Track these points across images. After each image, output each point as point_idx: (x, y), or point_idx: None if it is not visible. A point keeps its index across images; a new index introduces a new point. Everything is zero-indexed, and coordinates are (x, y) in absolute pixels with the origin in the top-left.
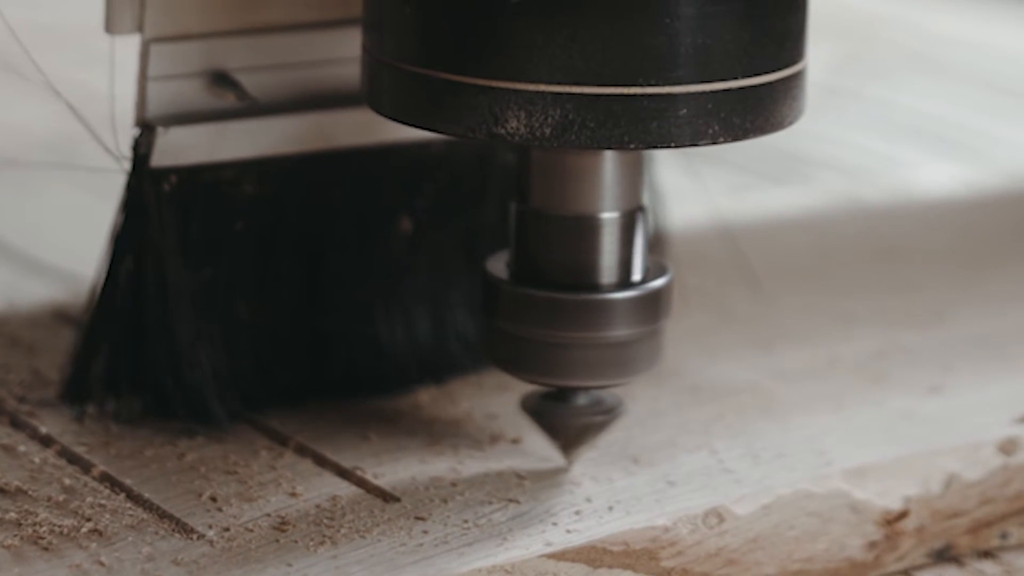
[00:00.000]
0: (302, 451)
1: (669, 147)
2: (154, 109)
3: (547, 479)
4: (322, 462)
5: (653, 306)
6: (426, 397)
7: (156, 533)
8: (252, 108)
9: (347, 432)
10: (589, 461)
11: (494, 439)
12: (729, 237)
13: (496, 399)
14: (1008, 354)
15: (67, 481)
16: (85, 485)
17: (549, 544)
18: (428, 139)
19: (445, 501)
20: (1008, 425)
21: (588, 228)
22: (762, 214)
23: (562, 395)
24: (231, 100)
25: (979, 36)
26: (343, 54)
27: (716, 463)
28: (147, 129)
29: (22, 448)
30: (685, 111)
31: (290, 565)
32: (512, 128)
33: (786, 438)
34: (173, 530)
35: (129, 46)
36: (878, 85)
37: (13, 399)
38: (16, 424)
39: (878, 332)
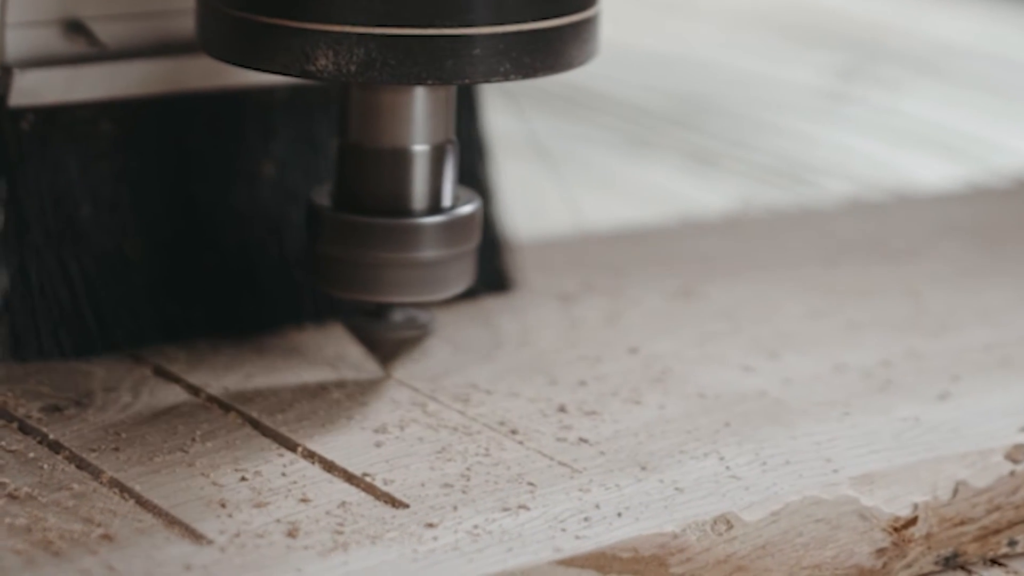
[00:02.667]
0: (311, 457)
1: (464, 83)
2: (12, 53)
3: (556, 485)
4: (331, 468)
5: (461, 230)
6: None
7: (166, 539)
8: (105, 53)
9: (355, 436)
10: (597, 468)
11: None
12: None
13: None
14: (1015, 362)
15: (76, 487)
16: (95, 491)
17: (558, 550)
18: (274, 85)
19: (455, 507)
20: (1016, 432)
21: (400, 159)
22: (769, 220)
23: (380, 312)
24: (83, 46)
25: (983, 43)
26: (187, 5)
27: (724, 470)
28: (5, 71)
29: (32, 454)
30: (478, 51)
31: (300, 571)
32: (321, 66)
33: (794, 445)
34: (183, 536)
35: None
36: (883, 91)
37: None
38: (25, 430)
39: (885, 339)
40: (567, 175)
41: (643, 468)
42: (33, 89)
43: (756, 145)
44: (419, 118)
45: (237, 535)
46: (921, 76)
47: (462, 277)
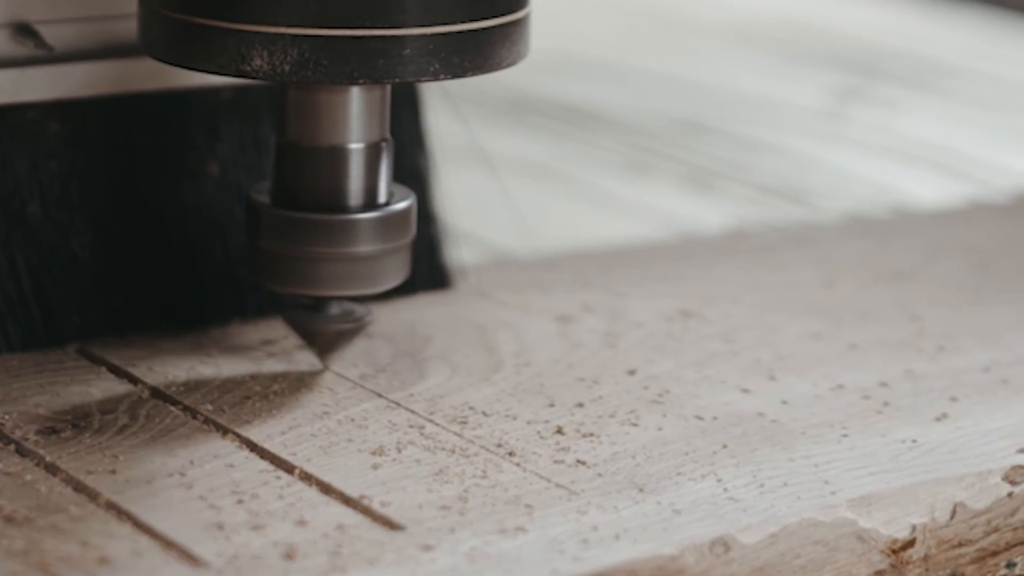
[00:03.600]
0: (308, 479)
1: (395, 82)
2: None
3: (554, 507)
4: (328, 490)
5: (396, 226)
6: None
7: (163, 561)
8: (52, 55)
9: (353, 459)
10: (595, 490)
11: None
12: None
13: None
14: (1014, 383)
15: (74, 509)
16: (92, 513)
17: (556, 573)
18: (219, 86)
19: (452, 530)
20: (1014, 454)
21: (336, 157)
22: (767, 240)
23: (317, 306)
24: (31, 48)
25: (981, 61)
26: (133, 9)
27: (722, 492)
28: None
29: (29, 477)
30: (408, 51)
31: None
32: (257, 65)
33: (792, 467)
34: (180, 559)
35: None
36: (881, 111)
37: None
38: (22, 452)
39: (883, 361)
40: (561, 194)
41: (641, 490)
42: None
43: (754, 165)
44: (354, 117)
45: (234, 558)
46: (919, 95)
47: (397, 271)
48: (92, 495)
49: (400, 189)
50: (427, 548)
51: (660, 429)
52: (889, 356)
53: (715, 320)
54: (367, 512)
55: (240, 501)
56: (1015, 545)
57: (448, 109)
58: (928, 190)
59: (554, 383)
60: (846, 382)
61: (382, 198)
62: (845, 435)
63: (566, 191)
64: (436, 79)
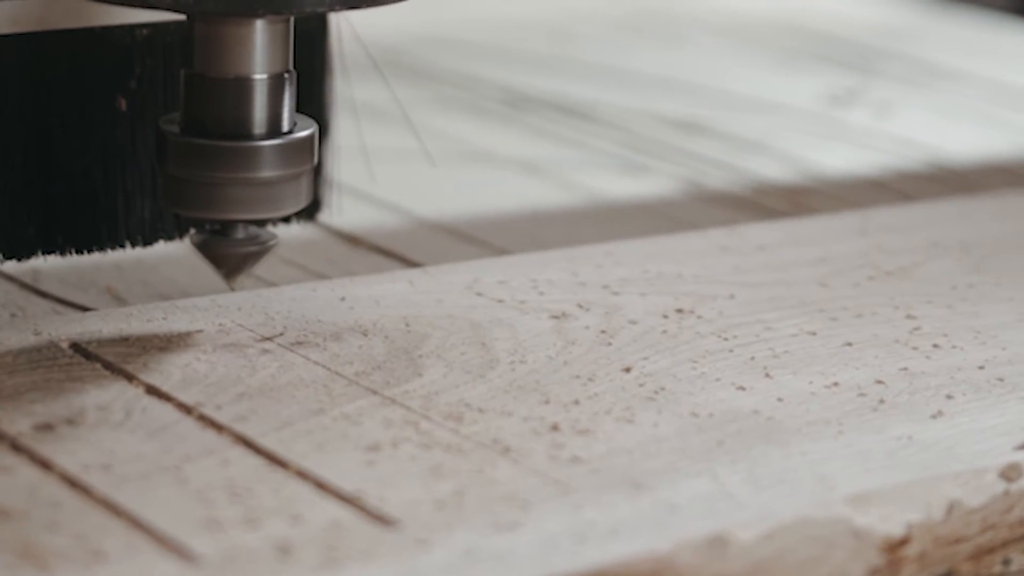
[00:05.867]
0: (303, 475)
1: (292, 13)
2: None
3: (550, 503)
4: (324, 486)
5: (297, 153)
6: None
7: (158, 557)
8: None
9: (348, 455)
10: (591, 486)
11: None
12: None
13: None
14: (1010, 381)
15: (68, 505)
16: (86, 509)
17: (551, 569)
18: (134, 24)
19: (448, 526)
20: (1010, 451)
21: (241, 87)
22: (762, 240)
23: (224, 230)
24: None
25: (976, 62)
26: None
27: (718, 488)
28: None
29: (23, 472)
30: None
31: None
32: None
33: (788, 464)
34: (175, 554)
35: None
36: (876, 112)
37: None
38: (17, 448)
39: (879, 358)
40: (556, 193)
41: (637, 487)
42: None
43: (750, 165)
44: (257, 49)
45: (229, 553)
46: (915, 95)
47: (298, 197)
48: (87, 490)
49: (303, 119)
50: (422, 544)
51: (656, 426)
52: (885, 354)
53: (710, 318)
54: (362, 508)
55: (235, 497)
56: (1011, 542)
57: (445, 108)
58: (923, 190)
59: (549, 380)
60: (842, 379)
61: (284, 126)
62: (841, 432)
63: (561, 190)
64: (331, 10)
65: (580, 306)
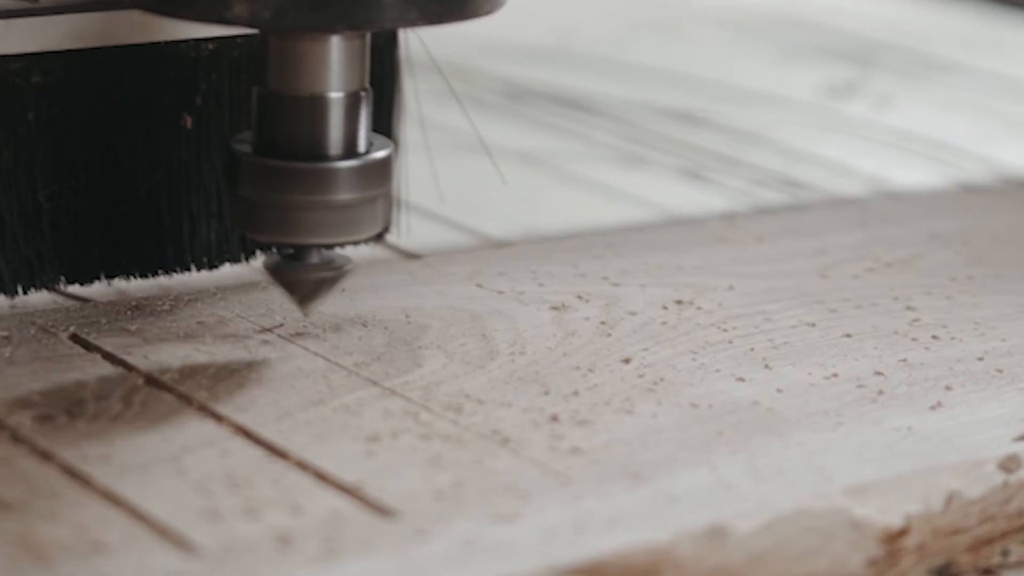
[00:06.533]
0: (303, 466)
1: (373, 28)
2: None
3: (549, 494)
4: (323, 477)
5: (374, 175)
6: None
7: (158, 547)
8: (36, 8)
9: (348, 446)
10: (590, 477)
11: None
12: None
13: None
14: (1008, 372)
15: (68, 495)
16: (86, 499)
17: (551, 559)
18: (200, 39)
19: (447, 516)
20: (1009, 442)
21: (315, 106)
22: (762, 231)
23: (297, 254)
24: (16, 0)
25: (975, 53)
26: None
27: (717, 479)
28: None
29: (23, 463)
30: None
31: None
32: (238, 12)
33: (787, 454)
34: (175, 544)
35: None
36: (875, 104)
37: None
38: (17, 439)
39: (878, 349)
40: (555, 185)
41: (636, 477)
42: None
43: (749, 157)
44: (333, 66)
45: (229, 544)
46: (913, 87)
47: (375, 220)
48: (87, 481)
49: (378, 138)
50: (422, 534)
51: (655, 417)
52: (884, 345)
53: (710, 309)
54: (362, 499)
55: (235, 488)
56: (1009, 533)
57: (444, 96)
58: (923, 181)
59: (549, 371)
60: (841, 371)
61: (361, 147)
62: (840, 423)
63: (561, 182)
64: (414, 26)
65: (580, 297)
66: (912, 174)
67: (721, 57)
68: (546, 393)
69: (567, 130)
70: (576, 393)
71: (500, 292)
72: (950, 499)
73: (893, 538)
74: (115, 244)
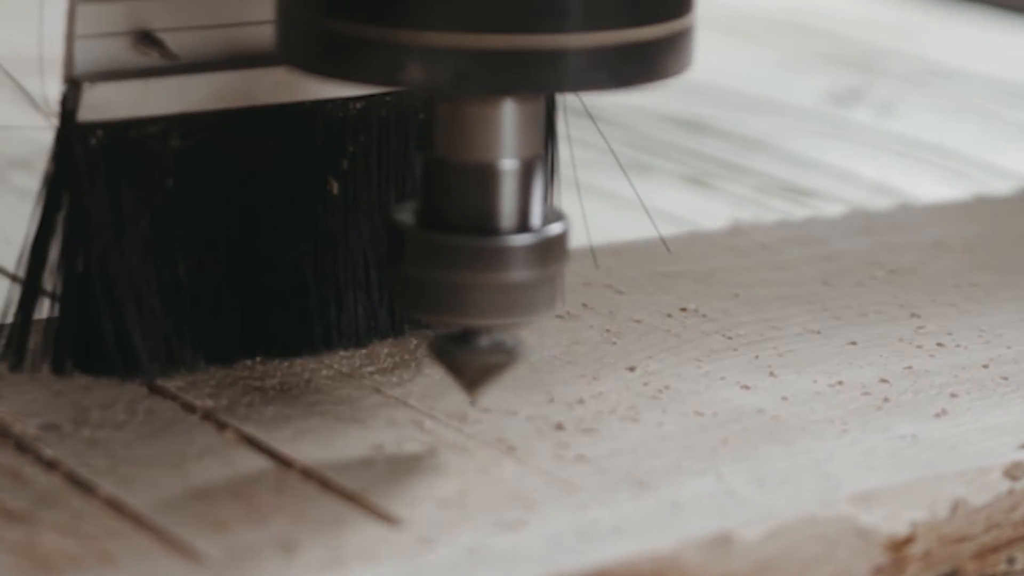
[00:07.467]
0: (308, 474)
1: (559, 92)
2: (81, 66)
3: (554, 502)
4: (328, 485)
5: (550, 250)
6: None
7: (163, 556)
8: (176, 66)
9: (352, 454)
10: (595, 485)
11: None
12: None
13: None
14: (1014, 379)
15: (73, 504)
16: (91, 508)
17: (556, 567)
18: (348, 97)
19: (452, 524)
20: (1014, 450)
21: (488, 175)
22: (766, 239)
23: (465, 336)
24: (155, 58)
25: (978, 61)
26: (262, 16)
27: (722, 487)
28: (74, 85)
29: (28, 471)
30: (574, 60)
31: None
32: (413, 76)
33: (792, 462)
34: (179, 553)
35: (58, 5)
36: (879, 112)
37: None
38: (22, 447)
39: (883, 357)
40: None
41: (641, 485)
42: (103, 103)
43: (754, 165)
44: (507, 131)
45: (234, 552)
46: (919, 94)
47: (551, 299)
48: (91, 490)
49: (551, 210)
50: (427, 543)
51: (660, 425)
52: (889, 353)
53: (715, 317)
54: (367, 507)
55: (239, 496)
56: (1015, 541)
57: None
58: (927, 189)
59: (554, 379)
60: (846, 378)
61: (535, 220)
62: (845, 431)
63: (565, 189)
64: (602, 89)
65: (585, 305)
66: (917, 181)
67: (726, 64)
68: (551, 401)
69: (571, 136)
70: (581, 401)
71: None
72: (956, 507)
73: (899, 546)
74: (258, 319)
